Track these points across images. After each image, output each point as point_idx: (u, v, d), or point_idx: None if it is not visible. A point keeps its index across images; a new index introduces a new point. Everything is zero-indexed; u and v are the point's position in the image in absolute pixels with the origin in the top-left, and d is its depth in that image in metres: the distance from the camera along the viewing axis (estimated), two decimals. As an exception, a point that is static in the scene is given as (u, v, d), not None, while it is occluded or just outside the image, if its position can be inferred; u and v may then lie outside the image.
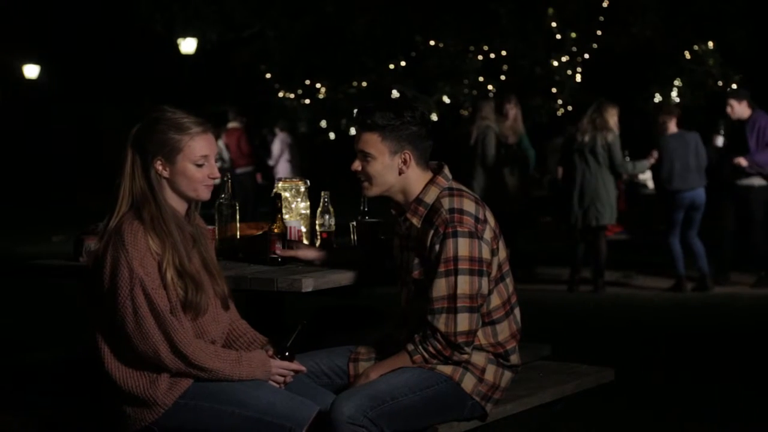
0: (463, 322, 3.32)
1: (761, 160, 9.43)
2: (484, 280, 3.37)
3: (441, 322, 3.32)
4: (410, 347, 3.38)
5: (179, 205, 3.29)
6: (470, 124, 10.29)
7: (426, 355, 3.35)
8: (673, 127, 9.56)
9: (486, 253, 3.37)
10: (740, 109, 9.55)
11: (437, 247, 3.34)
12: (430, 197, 3.43)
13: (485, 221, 3.41)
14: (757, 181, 9.56)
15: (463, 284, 3.32)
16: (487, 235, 3.40)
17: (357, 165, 3.48)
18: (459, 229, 3.33)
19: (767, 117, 9.61)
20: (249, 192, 14.86)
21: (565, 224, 9.87)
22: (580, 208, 9.51)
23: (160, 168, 3.23)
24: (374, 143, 3.43)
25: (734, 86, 14.96)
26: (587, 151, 9.47)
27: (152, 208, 3.19)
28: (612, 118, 9.50)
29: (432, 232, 3.37)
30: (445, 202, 3.39)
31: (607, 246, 9.90)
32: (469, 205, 3.39)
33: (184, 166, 3.24)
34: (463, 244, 3.32)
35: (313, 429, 3.16)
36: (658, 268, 10.84)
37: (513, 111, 10.42)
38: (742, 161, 9.38)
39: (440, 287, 3.32)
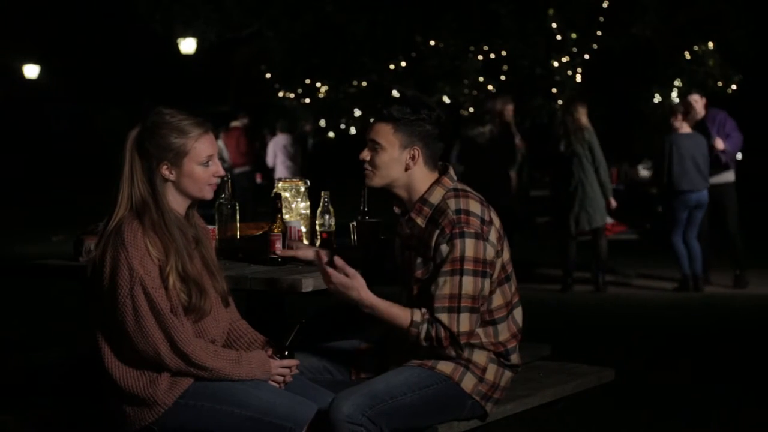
0: (465, 322, 3.32)
1: (729, 147, 9.58)
2: (487, 282, 3.37)
3: (444, 320, 3.32)
4: (416, 317, 3.29)
5: (181, 207, 3.30)
6: (491, 123, 10.28)
7: (423, 335, 3.31)
8: (686, 127, 9.55)
9: (490, 255, 3.37)
10: (701, 106, 9.72)
11: (443, 247, 3.33)
12: (435, 197, 3.43)
13: (491, 222, 3.41)
14: (729, 177, 9.69)
15: (468, 285, 3.32)
16: (492, 236, 3.40)
17: (366, 154, 3.48)
18: (466, 230, 3.33)
19: (723, 112, 9.85)
20: (247, 192, 14.87)
21: (560, 230, 9.83)
22: (572, 213, 9.54)
23: (166, 172, 3.24)
24: (386, 134, 3.43)
25: (734, 87, 15.00)
26: (568, 155, 9.50)
27: (153, 213, 3.19)
28: (582, 116, 9.56)
29: (438, 232, 3.36)
30: (451, 203, 3.38)
31: (608, 246, 9.90)
32: (475, 207, 3.39)
33: (191, 168, 3.25)
34: (470, 245, 3.32)
35: (313, 429, 3.16)
36: (658, 268, 10.84)
37: (510, 110, 10.57)
38: (719, 143, 9.45)
39: (445, 286, 3.32)
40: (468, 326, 3.33)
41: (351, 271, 3.31)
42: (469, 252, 3.32)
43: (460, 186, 3.46)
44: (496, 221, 3.45)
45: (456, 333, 3.31)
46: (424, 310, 3.34)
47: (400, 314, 3.33)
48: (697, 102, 9.73)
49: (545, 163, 10.24)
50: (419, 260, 3.42)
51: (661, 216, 9.67)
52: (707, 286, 9.69)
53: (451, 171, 3.50)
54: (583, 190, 9.50)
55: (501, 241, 3.44)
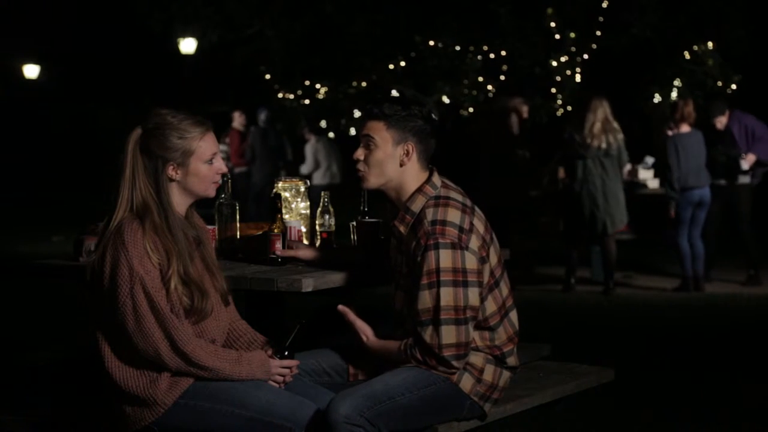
0: (449, 334, 3.29)
1: (763, 155, 9.69)
2: (471, 291, 3.33)
3: (427, 334, 3.30)
4: (402, 347, 3.38)
5: (182, 207, 3.31)
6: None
7: (414, 362, 3.36)
8: (686, 126, 9.57)
9: (471, 264, 3.33)
10: (725, 119, 9.77)
11: (419, 259, 3.32)
12: (416, 206, 3.41)
13: (471, 230, 3.37)
14: (744, 179, 9.78)
15: (447, 296, 3.29)
16: (474, 244, 3.35)
17: (360, 153, 3.46)
18: (441, 240, 3.30)
19: (746, 115, 9.92)
20: (246, 192, 14.86)
21: (583, 230, 9.72)
22: (605, 213, 9.45)
23: (172, 173, 3.25)
24: (379, 130, 3.43)
25: (734, 87, 15.01)
26: (602, 155, 9.42)
27: (155, 216, 3.19)
28: (610, 114, 9.52)
29: (415, 243, 3.35)
30: (429, 213, 3.36)
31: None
32: (453, 215, 3.35)
33: (197, 167, 3.27)
34: (446, 256, 3.29)
35: (312, 429, 3.16)
36: (658, 268, 10.84)
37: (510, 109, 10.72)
38: (752, 157, 9.59)
39: (424, 300, 3.30)
40: (453, 338, 3.29)
41: (352, 317, 3.47)
42: (446, 263, 3.29)
43: (442, 193, 3.42)
44: (480, 227, 3.41)
45: (437, 346, 3.29)
46: (409, 338, 3.37)
47: (393, 349, 3.41)
48: (722, 121, 9.75)
49: (562, 163, 10.13)
50: (405, 270, 3.42)
51: (673, 220, 9.65)
52: (709, 284, 9.70)
53: (435, 176, 3.46)
54: (616, 191, 9.48)
55: (486, 247, 3.40)
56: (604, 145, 9.41)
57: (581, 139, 9.43)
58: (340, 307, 3.44)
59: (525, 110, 10.74)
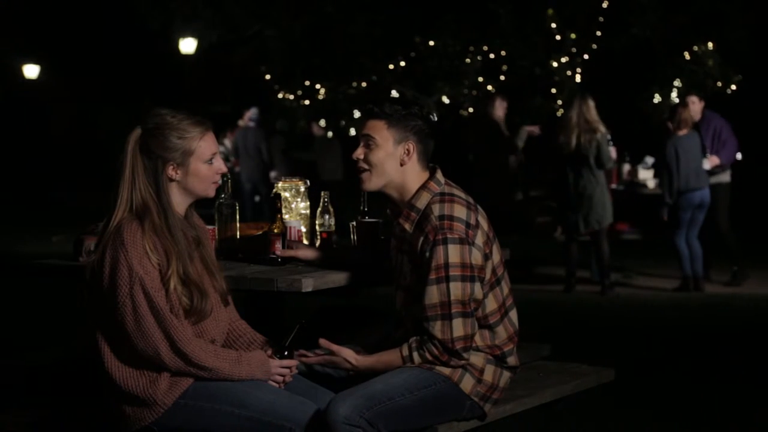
0: (459, 327, 3.31)
1: (725, 159, 9.74)
2: (477, 285, 3.35)
3: (437, 329, 3.31)
4: (405, 352, 3.36)
5: (182, 207, 3.31)
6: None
7: (418, 361, 3.34)
8: (684, 129, 9.57)
9: (477, 259, 3.35)
10: (697, 109, 9.72)
11: (428, 254, 3.32)
12: (421, 203, 3.41)
13: (477, 226, 3.39)
14: (723, 178, 9.81)
15: (456, 290, 3.30)
16: (479, 240, 3.38)
17: (359, 152, 3.46)
18: (449, 235, 3.31)
19: (719, 117, 9.92)
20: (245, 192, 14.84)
21: (566, 230, 9.80)
22: (579, 212, 9.47)
23: (172, 173, 3.25)
24: (379, 129, 3.43)
25: (734, 87, 15.01)
26: (576, 155, 9.44)
27: (155, 216, 3.19)
28: (593, 113, 9.49)
29: (422, 238, 3.35)
30: (436, 209, 3.37)
31: (609, 246, 9.90)
32: (459, 211, 3.37)
33: (197, 167, 3.26)
34: (454, 251, 3.31)
35: (312, 429, 3.16)
36: (658, 268, 10.84)
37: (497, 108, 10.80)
38: (715, 159, 9.62)
39: (433, 295, 3.31)
40: (462, 331, 3.32)
41: (335, 347, 3.38)
42: (454, 258, 3.30)
43: (447, 189, 3.44)
44: (484, 224, 3.42)
45: (449, 340, 3.30)
46: (411, 340, 3.35)
47: (392, 358, 3.37)
48: (695, 104, 9.74)
49: (549, 162, 10.19)
50: (409, 267, 3.41)
51: (666, 223, 9.66)
52: (709, 284, 9.71)
53: (439, 174, 3.47)
54: (592, 190, 9.46)
55: (489, 243, 3.42)
56: (573, 146, 9.42)
57: (555, 140, 9.52)
58: (321, 341, 3.38)
59: (503, 108, 10.76)
